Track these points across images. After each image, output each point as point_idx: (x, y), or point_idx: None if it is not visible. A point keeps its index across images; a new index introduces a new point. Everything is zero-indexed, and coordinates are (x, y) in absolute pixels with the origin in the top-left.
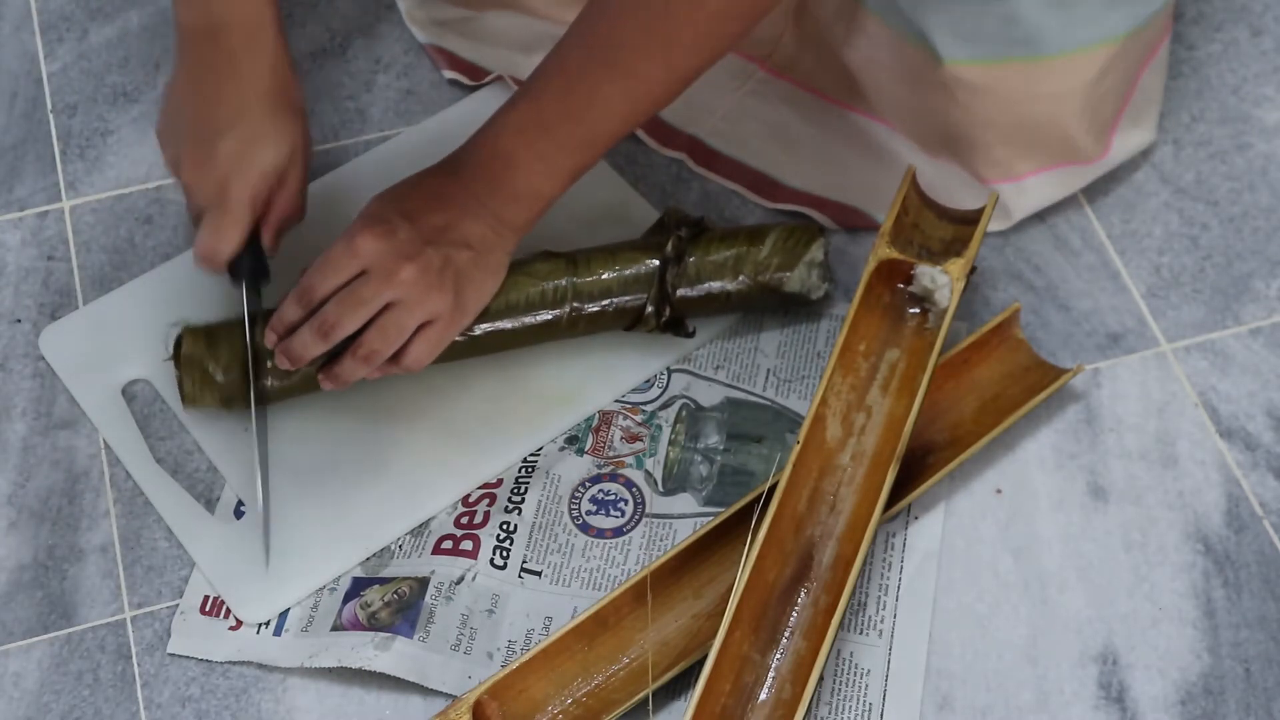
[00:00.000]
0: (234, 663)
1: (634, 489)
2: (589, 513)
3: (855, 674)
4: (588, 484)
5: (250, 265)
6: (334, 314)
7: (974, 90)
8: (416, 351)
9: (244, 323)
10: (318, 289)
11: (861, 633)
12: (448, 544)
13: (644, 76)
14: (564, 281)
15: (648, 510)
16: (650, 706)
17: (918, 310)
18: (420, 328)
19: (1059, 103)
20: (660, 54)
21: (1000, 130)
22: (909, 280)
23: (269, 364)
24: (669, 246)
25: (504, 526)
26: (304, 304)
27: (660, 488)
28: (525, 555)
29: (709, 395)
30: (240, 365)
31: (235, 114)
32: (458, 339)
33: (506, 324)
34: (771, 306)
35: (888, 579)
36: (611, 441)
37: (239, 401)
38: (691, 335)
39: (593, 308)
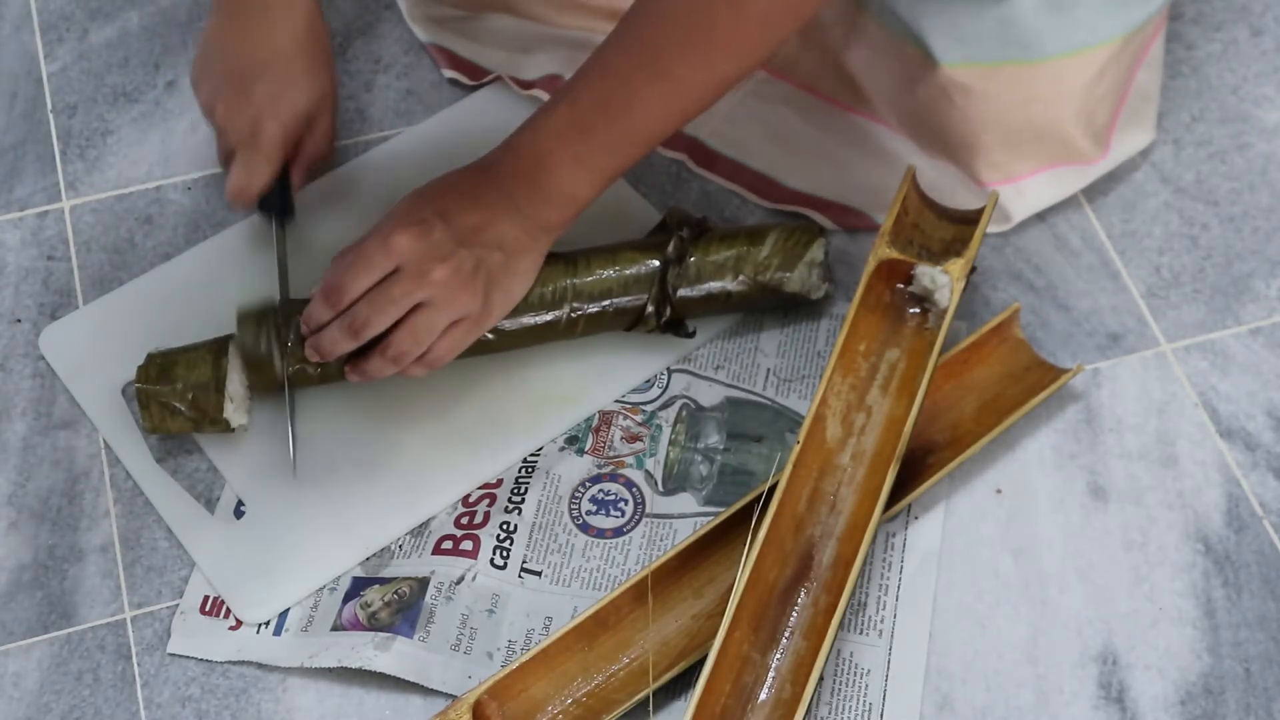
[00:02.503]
0: (234, 663)
1: (634, 489)
2: (589, 513)
3: (855, 674)
4: (588, 484)
5: (279, 202)
6: (364, 313)
7: (971, 93)
8: (440, 350)
9: (208, 346)
10: (349, 286)
11: (861, 633)
12: (448, 544)
13: (685, 81)
14: (564, 282)
15: (648, 510)
16: (650, 706)
17: (918, 310)
18: (447, 327)
19: (1056, 105)
20: (702, 59)
21: (998, 132)
22: (909, 280)
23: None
24: (670, 247)
25: (504, 526)
26: (334, 302)
27: (660, 488)
28: (525, 555)
29: (709, 395)
30: (202, 392)
31: (269, 59)
32: None
33: (507, 324)
34: (772, 306)
35: (888, 579)
36: (611, 441)
37: (207, 425)
38: (692, 335)
39: (593, 308)
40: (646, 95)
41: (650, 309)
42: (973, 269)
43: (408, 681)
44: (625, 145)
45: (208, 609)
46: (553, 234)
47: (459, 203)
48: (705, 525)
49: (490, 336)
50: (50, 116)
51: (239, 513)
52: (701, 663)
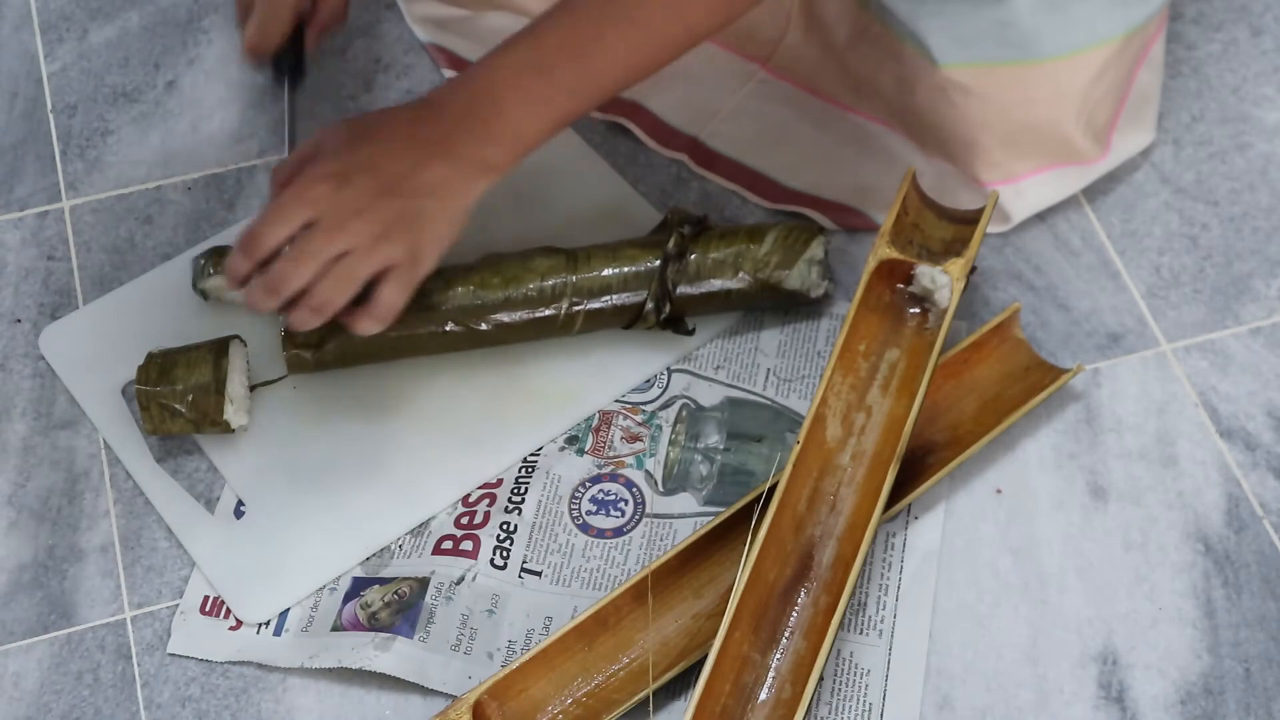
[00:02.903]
0: (234, 663)
1: (634, 489)
2: (589, 513)
3: (855, 674)
4: (588, 484)
5: (291, 60)
6: (280, 271)
7: (970, 93)
8: (383, 301)
9: (208, 346)
10: (265, 239)
11: (861, 633)
12: (448, 544)
13: (655, 29)
14: (564, 278)
15: (648, 510)
16: (650, 706)
17: (918, 310)
18: (381, 277)
19: (1056, 105)
20: (674, 7)
21: (997, 133)
22: (909, 280)
23: None
24: (671, 243)
25: (504, 526)
26: (251, 256)
27: (660, 488)
28: (525, 555)
29: (709, 395)
30: (203, 393)
31: None
32: (456, 331)
33: (505, 318)
34: (771, 305)
35: (888, 579)
36: (611, 441)
37: (207, 426)
38: (691, 333)
39: (593, 304)
40: (614, 40)
41: (650, 306)
42: (973, 269)
43: (408, 681)
44: (586, 89)
45: (208, 609)
46: (492, 175)
47: (387, 148)
48: (705, 525)
49: (482, 327)
50: (50, 116)
51: (239, 513)
52: (701, 663)
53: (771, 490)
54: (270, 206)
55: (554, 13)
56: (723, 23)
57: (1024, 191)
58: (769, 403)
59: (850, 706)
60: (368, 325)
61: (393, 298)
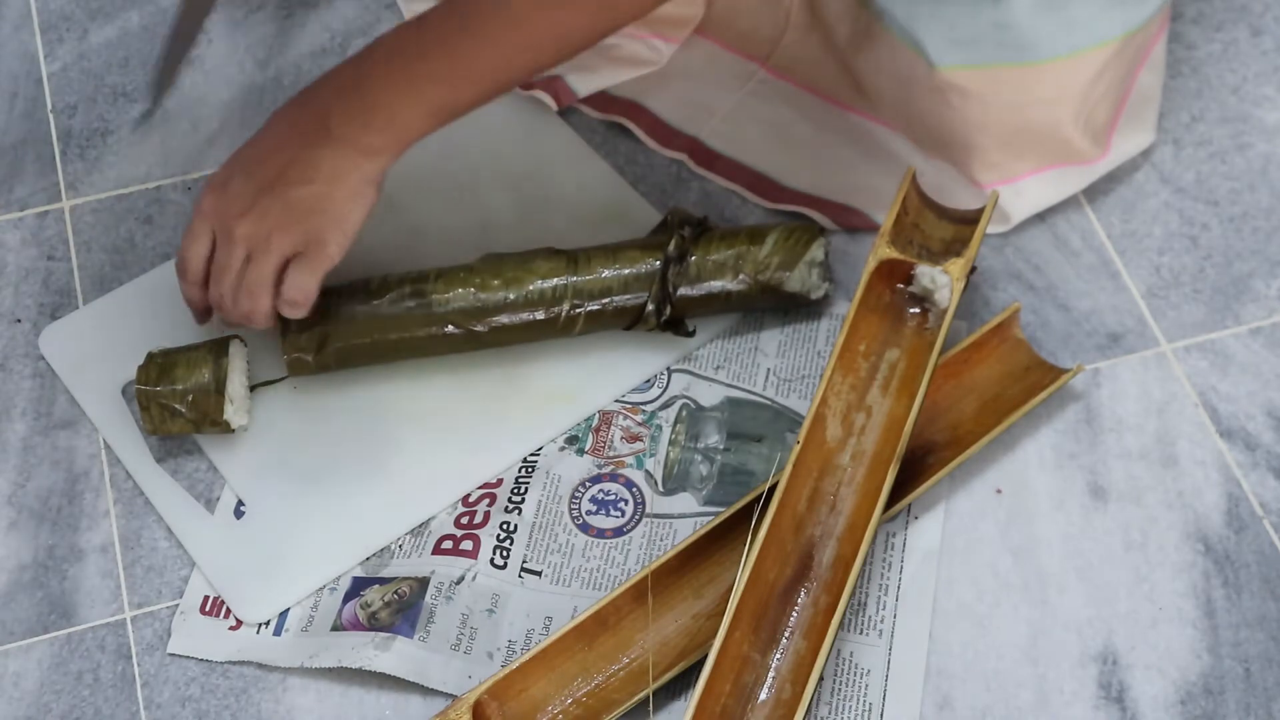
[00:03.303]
0: (234, 663)
1: (634, 489)
2: (589, 513)
3: (855, 674)
4: (588, 484)
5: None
6: (215, 294)
7: (968, 94)
8: (291, 289)
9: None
10: (189, 263)
11: (861, 633)
12: (448, 544)
13: (535, 31)
14: (564, 279)
15: (648, 510)
16: (650, 706)
17: (918, 310)
18: (287, 266)
19: (1054, 107)
20: (554, 13)
21: (996, 133)
22: (909, 280)
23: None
24: (671, 245)
25: (504, 526)
26: (189, 280)
27: (660, 487)
28: (525, 555)
29: (709, 395)
30: (203, 393)
31: None
32: (456, 333)
33: (505, 319)
34: (772, 306)
35: (888, 579)
36: (611, 441)
37: (207, 426)
38: (691, 334)
39: (593, 306)
40: (494, 35)
41: (650, 307)
42: (973, 269)
43: (408, 681)
44: (459, 80)
45: (208, 609)
46: (377, 159)
47: (264, 148)
48: (705, 525)
49: (481, 329)
50: (50, 116)
51: (239, 513)
52: (701, 663)
53: (771, 490)
54: (187, 228)
55: (439, 5)
56: (603, 31)
57: (1023, 192)
58: (769, 403)
59: (850, 706)
60: (290, 311)
61: (299, 282)
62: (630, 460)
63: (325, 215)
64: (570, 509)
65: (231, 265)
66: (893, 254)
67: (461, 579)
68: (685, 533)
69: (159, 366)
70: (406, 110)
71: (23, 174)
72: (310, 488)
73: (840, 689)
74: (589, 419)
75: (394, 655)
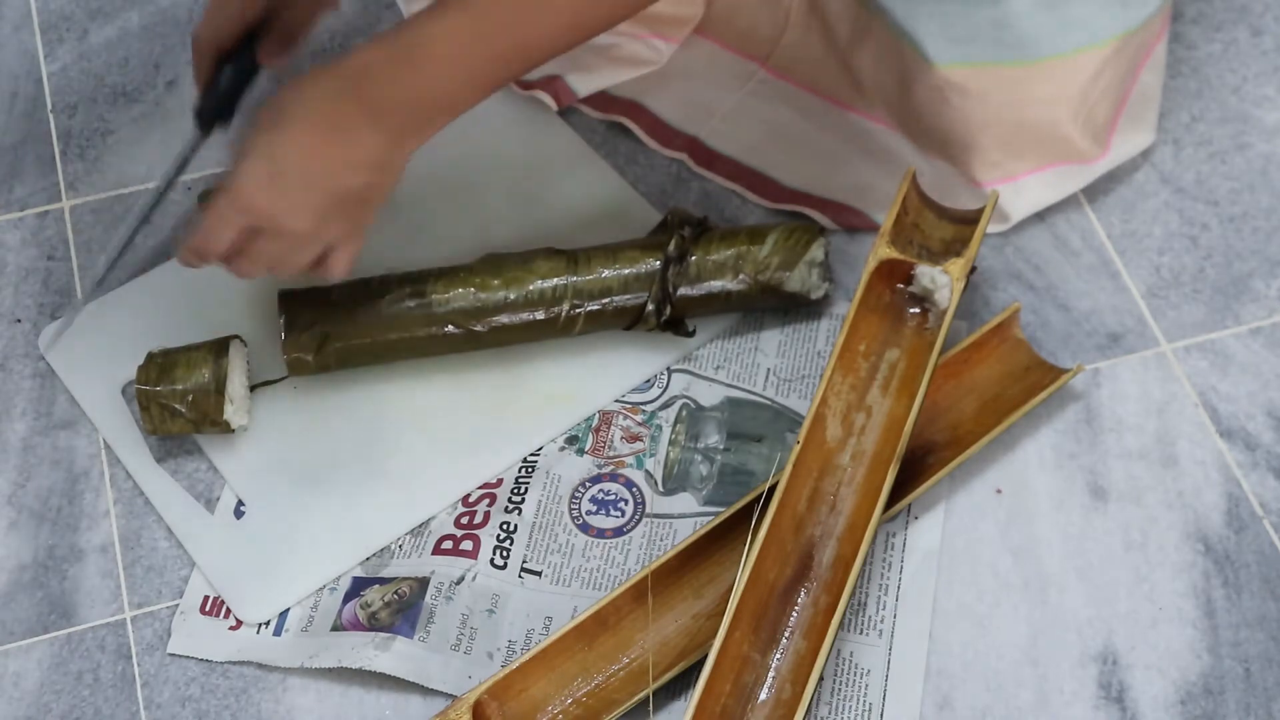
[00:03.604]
0: (234, 663)
1: (634, 489)
2: (589, 513)
3: (855, 674)
4: (588, 484)
5: (223, 93)
6: (238, 269)
7: (966, 93)
8: (333, 268)
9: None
10: (212, 248)
11: (861, 633)
12: (448, 544)
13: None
14: (564, 279)
15: (648, 510)
16: (650, 706)
17: (918, 310)
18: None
19: (1053, 106)
20: None
21: (995, 132)
22: (909, 280)
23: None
24: (671, 245)
25: (504, 526)
26: (205, 261)
27: (660, 487)
28: (525, 555)
29: (709, 395)
30: (203, 393)
31: None
32: (456, 333)
33: (505, 319)
34: (772, 306)
35: (888, 579)
36: (611, 441)
37: (207, 426)
38: (691, 334)
39: (593, 306)
40: (551, 9)
41: (650, 307)
42: (973, 269)
43: (408, 681)
44: (521, 49)
45: (208, 609)
46: (420, 138)
47: (318, 136)
48: (705, 525)
49: (481, 329)
50: (50, 116)
51: (239, 513)
52: (701, 663)
53: (771, 490)
54: (210, 212)
55: None
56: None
57: (1023, 191)
58: (769, 403)
59: (850, 706)
60: (323, 279)
61: (340, 266)
62: (630, 460)
63: (369, 205)
64: (570, 509)
65: (274, 253)
66: (893, 254)
67: (461, 579)
68: (685, 533)
69: (159, 366)
70: (466, 93)
71: (23, 174)
72: (310, 488)
73: (840, 689)
74: (589, 419)
75: (394, 655)
